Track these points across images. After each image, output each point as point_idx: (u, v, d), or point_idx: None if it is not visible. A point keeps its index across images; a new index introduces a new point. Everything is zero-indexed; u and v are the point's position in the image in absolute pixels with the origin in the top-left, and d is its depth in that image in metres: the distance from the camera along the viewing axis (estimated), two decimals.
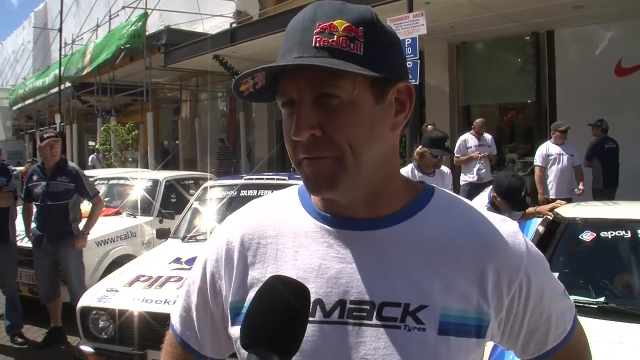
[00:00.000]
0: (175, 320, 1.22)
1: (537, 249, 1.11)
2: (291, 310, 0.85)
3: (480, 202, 4.43)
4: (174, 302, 3.83)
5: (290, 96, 0.98)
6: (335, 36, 0.94)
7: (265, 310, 0.86)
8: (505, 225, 1.07)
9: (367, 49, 0.96)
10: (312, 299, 0.99)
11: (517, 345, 1.12)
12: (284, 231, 1.09)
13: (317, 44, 0.94)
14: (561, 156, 8.07)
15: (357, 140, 0.97)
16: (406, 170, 5.21)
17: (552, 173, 8.11)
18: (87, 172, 6.54)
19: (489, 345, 2.44)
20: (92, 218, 5.70)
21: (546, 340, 1.11)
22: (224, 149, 17.23)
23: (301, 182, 1.14)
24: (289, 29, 1.00)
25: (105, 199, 7.93)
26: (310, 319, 0.99)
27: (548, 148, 8.22)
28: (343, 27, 0.95)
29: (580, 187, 7.95)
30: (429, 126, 8.87)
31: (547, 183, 8.17)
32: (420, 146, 5.19)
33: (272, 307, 0.86)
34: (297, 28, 0.97)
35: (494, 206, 4.34)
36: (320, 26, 0.95)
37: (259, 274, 1.06)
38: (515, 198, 4.21)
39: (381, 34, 0.99)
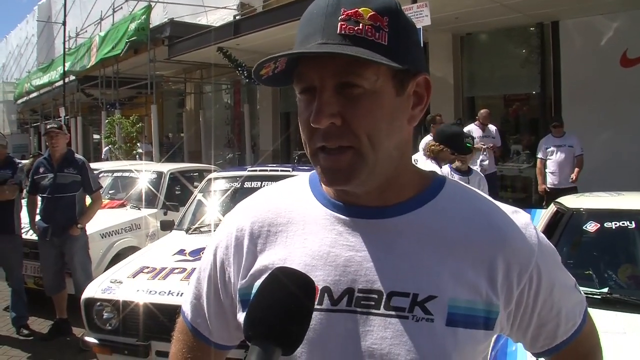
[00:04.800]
0: (186, 307, 1.23)
1: (548, 241, 1.09)
2: (295, 303, 0.85)
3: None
4: (179, 292, 3.82)
5: (310, 82, 0.96)
6: (361, 24, 0.93)
7: (268, 302, 0.85)
8: (517, 217, 1.06)
9: (392, 39, 0.95)
10: (320, 287, 1.00)
11: (526, 338, 1.11)
12: (294, 218, 1.09)
13: (343, 31, 0.93)
14: (559, 148, 8.37)
15: (376, 131, 0.96)
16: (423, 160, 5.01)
17: (551, 164, 8.40)
18: (93, 165, 6.57)
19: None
20: (89, 212, 5.70)
21: (555, 335, 1.10)
22: (168, 144, 18.93)
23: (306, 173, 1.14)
24: (310, 13, 0.98)
25: (110, 192, 7.99)
26: (317, 306, 0.99)
27: (547, 140, 8.58)
28: (369, 15, 0.94)
29: (573, 176, 8.17)
30: (437, 117, 8.84)
31: (548, 174, 8.45)
32: (435, 142, 4.97)
33: (276, 299, 0.85)
34: (320, 13, 0.96)
35: (433, 161, 4.82)
36: (346, 13, 0.93)
37: (268, 261, 1.06)
38: (459, 142, 4.88)
39: (404, 25, 0.98)
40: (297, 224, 1.08)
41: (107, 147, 17.73)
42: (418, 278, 0.99)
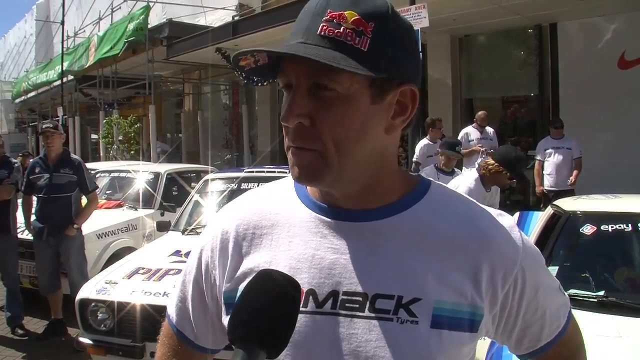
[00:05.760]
0: (171, 311, 1.22)
1: (533, 244, 1.10)
2: (280, 305, 0.84)
3: (466, 179, 4.47)
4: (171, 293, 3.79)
5: (289, 80, 0.97)
6: (342, 27, 0.92)
7: (252, 305, 0.84)
8: (502, 220, 1.06)
9: (374, 45, 0.93)
10: (305, 289, 1.00)
11: (511, 340, 1.12)
12: (279, 221, 1.09)
13: (322, 33, 0.93)
14: (558, 150, 8.37)
15: (343, 137, 0.95)
16: (470, 180, 4.60)
17: (550, 166, 8.42)
18: (89, 165, 6.56)
19: (487, 340, 2.44)
20: (85, 213, 5.69)
21: (540, 336, 1.11)
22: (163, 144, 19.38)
23: None
24: (303, 11, 0.98)
25: (107, 192, 7.98)
26: (302, 309, 0.99)
27: (546, 142, 8.59)
28: (353, 19, 0.92)
29: (572, 178, 8.17)
30: (437, 121, 8.77)
31: (545, 175, 8.47)
32: (495, 162, 4.48)
33: (260, 301, 0.84)
34: (310, 12, 0.96)
35: (482, 180, 4.47)
36: (331, 14, 0.93)
37: (253, 264, 1.06)
38: (521, 168, 4.50)
39: (394, 32, 0.96)
40: (282, 226, 1.08)
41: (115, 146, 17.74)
42: (402, 280, 0.99)
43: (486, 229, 1.03)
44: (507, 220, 1.07)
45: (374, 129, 0.99)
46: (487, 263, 1.01)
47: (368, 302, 0.99)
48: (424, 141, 8.52)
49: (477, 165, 4.65)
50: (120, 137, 16.93)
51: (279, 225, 1.08)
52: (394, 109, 1.00)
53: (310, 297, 1.01)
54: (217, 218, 1.18)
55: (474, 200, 1.10)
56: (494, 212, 1.08)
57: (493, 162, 4.48)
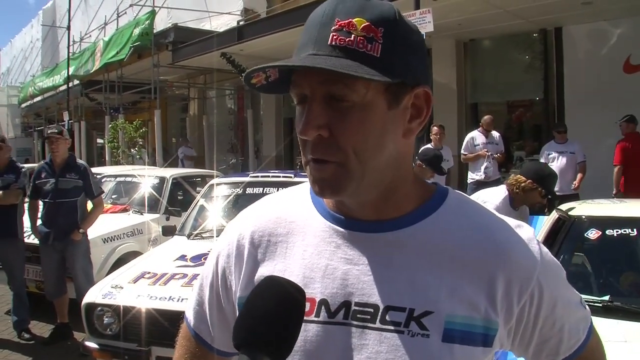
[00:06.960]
0: (189, 314, 1.23)
1: (552, 256, 1.07)
2: (285, 312, 0.84)
3: (494, 196, 4.30)
4: (180, 298, 3.82)
5: (302, 92, 0.96)
6: (353, 35, 0.91)
7: (257, 311, 0.84)
8: (520, 232, 1.04)
9: (385, 51, 0.92)
10: (317, 299, 1.01)
11: (528, 353, 1.10)
12: (294, 229, 1.09)
13: (333, 42, 0.92)
14: (561, 154, 8.37)
15: (364, 146, 0.94)
16: (498, 197, 4.29)
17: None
18: (95, 169, 6.58)
19: None
20: (90, 217, 5.71)
21: (558, 351, 1.09)
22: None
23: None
24: (308, 22, 0.97)
25: (113, 196, 8.00)
26: (314, 319, 0.99)
27: (549, 146, 8.60)
28: (362, 26, 0.91)
29: (576, 182, 8.17)
30: (434, 127, 8.72)
31: None
32: (527, 179, 4.20)
33: (265, 307, 0.84)
34: (316, 22, 0.95)
35: (512, 199, 4.21)
36: (339, 23, 0.92)
37: (267, 271, 1.06)
38: (554, 185, 4.33)
39: (403, 36, 0.95)
40: (297, 235, 1.08)
41: (180, 148, 17.75)
42: (415, 293, 0.98)
43: (503, 241, 1.01)
44: (526, 232, 1.04)
45: (393, 134, 0.98)
46: (503, 276, 0.98)
47: (379, 314, 0.98)
48: (427, 147, 8.50)
49: (504, 187, 4.33)
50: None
51: (294, 233, 1.08)
52: (410, 113, 1.00)
53: (323, 307, 1.01)
54: (234, 224, 1.18)
55: (494, 211, 1.08)
56: (513, 223, 1.05)
57: (525, 179, 4.20)
